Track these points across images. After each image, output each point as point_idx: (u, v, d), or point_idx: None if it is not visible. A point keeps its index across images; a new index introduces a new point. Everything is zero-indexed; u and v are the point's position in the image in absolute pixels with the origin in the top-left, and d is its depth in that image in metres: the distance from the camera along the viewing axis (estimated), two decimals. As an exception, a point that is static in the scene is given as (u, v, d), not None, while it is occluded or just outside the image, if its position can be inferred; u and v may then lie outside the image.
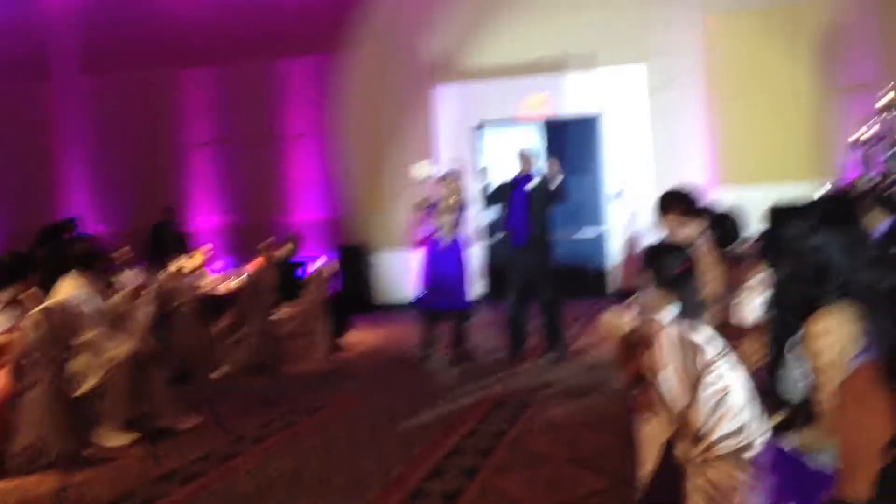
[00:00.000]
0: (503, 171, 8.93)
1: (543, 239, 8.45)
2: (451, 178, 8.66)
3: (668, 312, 3.22)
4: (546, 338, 8.47)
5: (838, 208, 2.75)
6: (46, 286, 6.51)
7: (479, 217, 13.00)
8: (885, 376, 2.50)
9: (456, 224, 8.58)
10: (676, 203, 3.87)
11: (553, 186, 8.41)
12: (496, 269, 12.65)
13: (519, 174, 8.57)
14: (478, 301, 12.94)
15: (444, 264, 8.53)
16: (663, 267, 3.29)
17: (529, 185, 8.47)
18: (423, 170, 8.87)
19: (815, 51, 12.24)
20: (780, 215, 2.73)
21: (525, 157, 8.59)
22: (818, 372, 2.50)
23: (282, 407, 7.13)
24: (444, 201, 8.55)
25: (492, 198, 8.77)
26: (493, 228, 13.06)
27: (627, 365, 3.31)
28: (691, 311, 3.21)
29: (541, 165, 8.83)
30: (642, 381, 3.26)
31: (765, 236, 2.91)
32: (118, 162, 14.28)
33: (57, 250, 7.40)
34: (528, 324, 8.59)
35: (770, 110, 12.28)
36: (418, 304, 8.77)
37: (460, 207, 8.62)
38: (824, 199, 3.17)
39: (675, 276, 3.25)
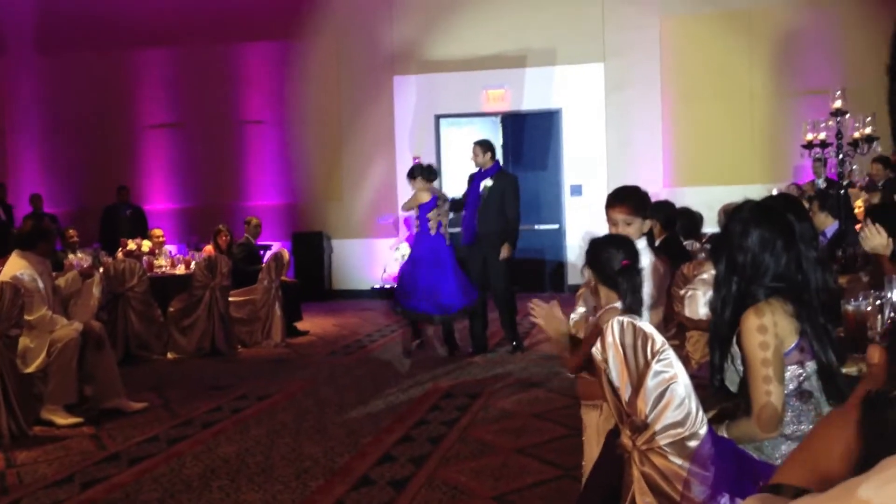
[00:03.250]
0: (461, 163, 8.91)
1: (496, 234, 8.30)
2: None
3: (613, 305, 3.28)
4: (506, 331, 8.55)
5: (782, 208, 2.81)
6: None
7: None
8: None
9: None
10: (625, 200, 3.90)
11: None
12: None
13: (477, 169, 8.47)
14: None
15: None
16: (605, 261, 3.33)
17: (483, 184, 8.35)
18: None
19: (770, 55, 12.44)
20: (727, 214, 2.80)
21: (476, 149, 8.42)
22: (754, 367, 2.56)
23: (231, 393, 7.09)
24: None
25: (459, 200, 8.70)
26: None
27: (572, 356, 3.34)
28: (633, 305, 3.26)
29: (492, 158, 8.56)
30: (585, 369, 3.31)
31: (715, 235, 2.97)
32: (71, 142, 14.06)
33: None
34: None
35: (724, 112, 12.46)
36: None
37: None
38: (769, 199, 3.24)
39: (618, 270, 3.30)
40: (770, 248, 2.63)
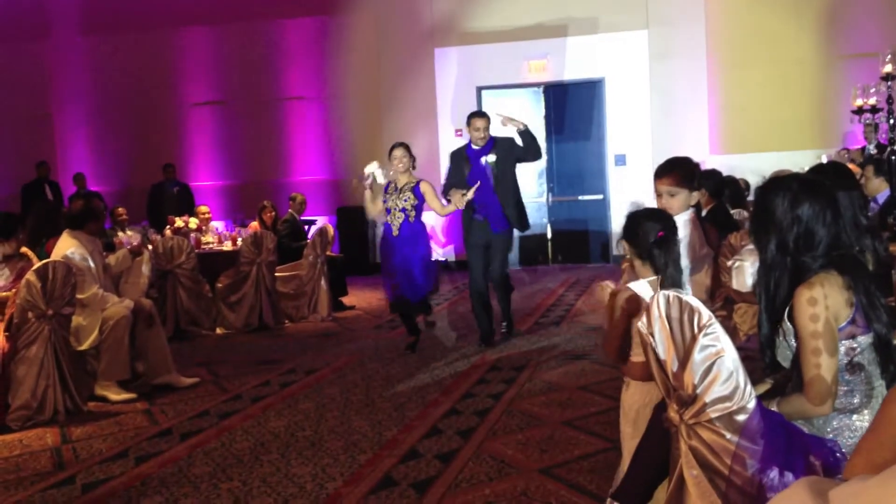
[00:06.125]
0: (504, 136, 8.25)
1: (514, 213, 7.59)
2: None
3: (650, 279, 3.25)
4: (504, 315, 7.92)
5: (830, 177, 2.77)
6: (34, 244, 6.56)
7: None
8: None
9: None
10: (672, 171, 3.85)
11: (520, 142, 7.43)
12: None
13: (470, 144, 7.57)
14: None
15: None
16: (641, 234, 3.30)
17: (486, 158, 7.48)
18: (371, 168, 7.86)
19: (818, 18, 12.18)
20: (766, 187, 2.76)
21: (478, 122, 7.48)
22: (804, 340, 2.53)
23: (279, 367, 7.18)
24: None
25: (448, 181, 7.73)
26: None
27: (613, 331, 3.32)
28: (670, 278, 3.23)
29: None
30: (627, 345, 3.29)
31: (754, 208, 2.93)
32: (116, 121, 14.24)
33: (48, 210, 7.42)
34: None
35: (772, 78, 12.25)
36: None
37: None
38: (814, 169, 3.19)
39: (653, 242, 3.26)
40: (821, 219, 2.60)
